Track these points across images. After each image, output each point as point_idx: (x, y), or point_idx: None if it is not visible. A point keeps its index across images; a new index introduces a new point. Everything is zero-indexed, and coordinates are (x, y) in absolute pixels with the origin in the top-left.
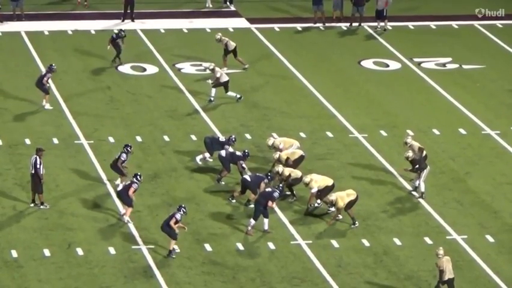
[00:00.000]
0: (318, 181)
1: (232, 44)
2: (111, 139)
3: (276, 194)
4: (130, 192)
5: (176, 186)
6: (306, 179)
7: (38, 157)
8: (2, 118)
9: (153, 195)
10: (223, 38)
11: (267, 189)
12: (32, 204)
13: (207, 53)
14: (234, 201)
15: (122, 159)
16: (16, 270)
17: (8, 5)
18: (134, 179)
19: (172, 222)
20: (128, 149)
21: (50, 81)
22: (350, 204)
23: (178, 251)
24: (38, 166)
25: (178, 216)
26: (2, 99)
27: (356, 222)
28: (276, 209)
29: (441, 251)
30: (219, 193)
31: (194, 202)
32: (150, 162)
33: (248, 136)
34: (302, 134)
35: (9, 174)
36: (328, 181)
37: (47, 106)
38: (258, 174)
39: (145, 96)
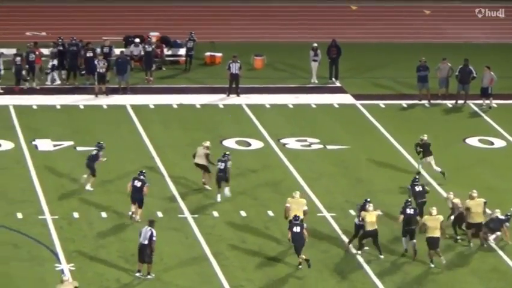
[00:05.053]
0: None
1: None
2: (215, 213)
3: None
4: None
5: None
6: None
7: (152, 228)
8: (106, 189)
9: (256, 271)
10: None
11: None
12: (137, 274)
13: (312, 128)
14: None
15: None
16: None
17: (114, 79)
18: None
19: None
20: None
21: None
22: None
23: None
24: (153, 238)
25: None
26: (106, 172)
27: (432, 265)
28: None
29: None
30: (324, 270)
31: (299, 280)
32: (255, 237)
33: (352, 212)
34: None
35: (112, 247)
36: None
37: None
38: None
39: (249, 170)
